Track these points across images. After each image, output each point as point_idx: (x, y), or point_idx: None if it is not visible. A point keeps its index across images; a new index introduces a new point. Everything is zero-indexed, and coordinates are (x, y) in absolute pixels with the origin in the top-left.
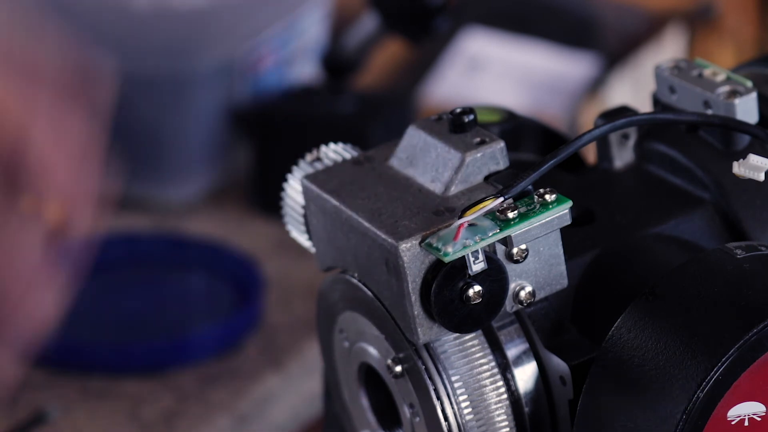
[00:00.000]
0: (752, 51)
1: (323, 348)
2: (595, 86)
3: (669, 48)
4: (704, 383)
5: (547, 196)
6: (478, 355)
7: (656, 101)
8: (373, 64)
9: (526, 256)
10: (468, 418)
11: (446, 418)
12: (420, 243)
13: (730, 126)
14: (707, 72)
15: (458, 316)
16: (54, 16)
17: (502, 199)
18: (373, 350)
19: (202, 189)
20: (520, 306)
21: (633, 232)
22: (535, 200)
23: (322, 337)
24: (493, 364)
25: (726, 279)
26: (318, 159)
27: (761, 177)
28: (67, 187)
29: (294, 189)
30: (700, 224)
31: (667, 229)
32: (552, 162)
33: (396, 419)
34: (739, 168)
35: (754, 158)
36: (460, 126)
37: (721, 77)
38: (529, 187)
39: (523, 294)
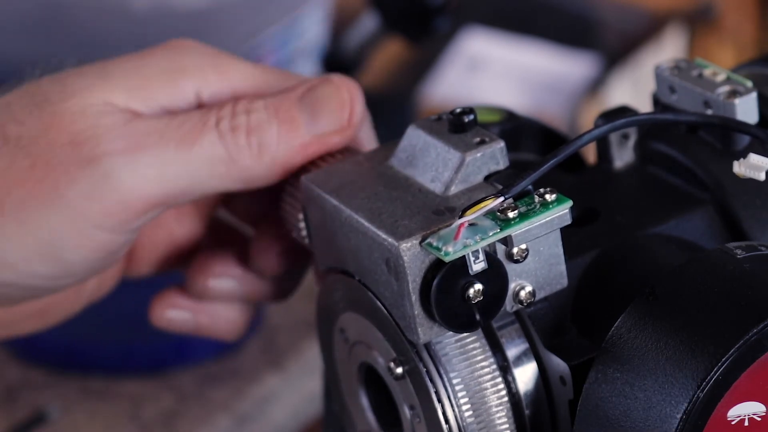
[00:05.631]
0: (752, 51)
1: (323, 348)
2: (595, 86)
3: (669, 48)
4: (704, 383)
5: (547, 196)
6: (479, 356)
7: (656, 101)
8: (373, 64)
9: (526, 256)
10: (469, 420)
11: (447, 420)
12: (420, 242)
13: (730, 126)
14: (707, 72)
15: (458, 316)
16: (54, 16)
17: (502, 198)
18: (373, 351)
19: None
20: (520, 306)
21: (633, 232)
22: (536, 200)
23: (322, 337)
24: (494, 366)
25: (726, 279)
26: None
27: (762, 176)
28: None
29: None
30: (700, 224)
31: (667, 229)
32: (552, 162)
33: (396, 420)
34: (739, 167)
35: (754, 158)
36: (460, 126)
37: (721, 77)
38: (529, 186)
39: (523, 294)
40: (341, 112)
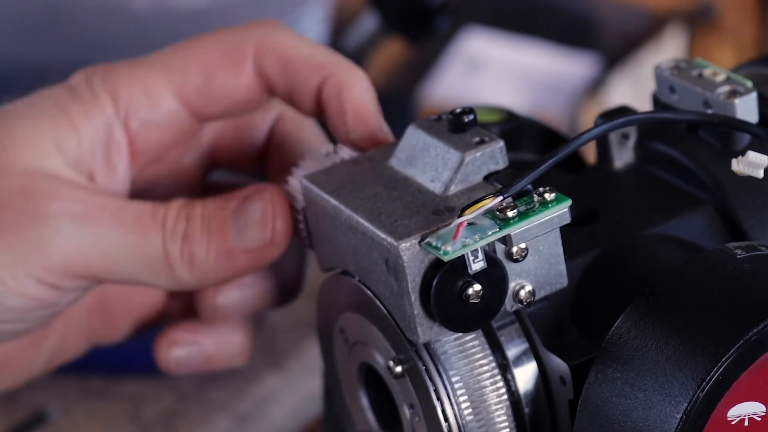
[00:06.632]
0: (752, 51)
1: (323, 348)
2: (595, 86)
3: (669, 48)
4: (704, 383)
5: (546, 195)
6: (478, 355)
7: (656, 101)
8: (373, 64)
9: (525, 255)
10: (468, 419)
11: (446, 419)
12: (419, 242)
13: (730, 125)
14: (707, 72)
15: (458, 315)
16: (54, 16)
17: (501, 198)
18: (373, 351)
19: None
20: (519, 305)
21: (633, 232)
22: (535, 199)
23: (322, 337)
24: (493, 364)
25: (726, 279)
26: (334, 152)
27: (760, 174)
28: None
29: (294, 189)
30: (700, 224)
31: (667, 229)
32: (551, 161)
33: (396, 419)
34: (738, 165)
35: (753, 155)
36: (459, 126)
37: (721, 77)
38: (529, 186)
39: (522, 293)
40: (264, 230)
